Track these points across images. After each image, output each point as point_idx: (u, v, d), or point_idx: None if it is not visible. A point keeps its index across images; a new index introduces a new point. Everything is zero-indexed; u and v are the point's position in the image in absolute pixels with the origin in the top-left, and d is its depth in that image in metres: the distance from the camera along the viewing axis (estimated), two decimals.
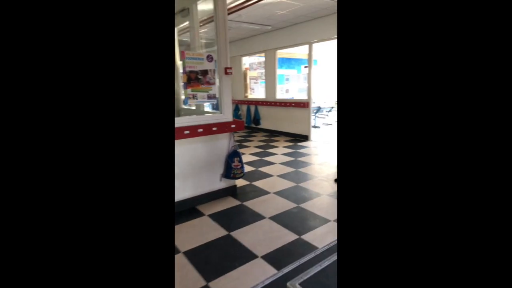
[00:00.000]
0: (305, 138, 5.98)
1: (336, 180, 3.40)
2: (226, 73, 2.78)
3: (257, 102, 7.16)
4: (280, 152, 4.98)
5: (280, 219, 2.47)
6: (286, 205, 2.76)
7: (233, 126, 2.87)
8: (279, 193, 3.06)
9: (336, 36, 4.98)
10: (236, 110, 7.67)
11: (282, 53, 7.13)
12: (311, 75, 5.74)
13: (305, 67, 8.68)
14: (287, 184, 3.35)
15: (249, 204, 2.81)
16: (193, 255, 1.96)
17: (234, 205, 2.80)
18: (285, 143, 5.73)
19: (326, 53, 9.27)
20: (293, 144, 5.60)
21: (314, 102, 6.10)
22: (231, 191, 3.05)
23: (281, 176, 3.65)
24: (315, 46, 5.64)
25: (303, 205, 2.74)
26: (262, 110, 7.04)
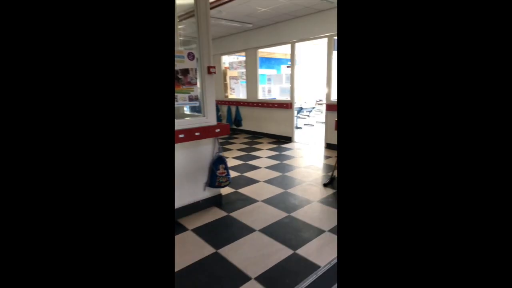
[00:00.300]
0: (289, 139, 5.84)
1: (325, 185, 3.27)
2: (209, 72, 2.54)
3: (238, 103, 6.93)
4: (264, 155, 4.79)
5: (271, 231, 2.28)
6: (276, 214, 2.58)
7: (217, 130, 2.64)
8: (268, 201, 2.87)
9: (319, 36, 4.92)
10: (216, 111, 7.38)
11: (262, 52, 6.93)
12: (294, 75, 5.61)
13: (287, 66, 8.59)
14: (274, 190, 3.17)
15: (236, 215, 2.60)
16: (177, 280, 1.71)
17: (220, 216, 2.57)
18: (268, 145, 5.56)
19: (306, 52, 9.23)
20: (276, 146, 5.44)
21: (295, 103, 5.98)
22: (216, 201, 2.81)
23: (267, 181, 3.46)
24: (297, 45, 5.51)
25: (294, 214, 2.57)
26: (244, 110, 6.82)
